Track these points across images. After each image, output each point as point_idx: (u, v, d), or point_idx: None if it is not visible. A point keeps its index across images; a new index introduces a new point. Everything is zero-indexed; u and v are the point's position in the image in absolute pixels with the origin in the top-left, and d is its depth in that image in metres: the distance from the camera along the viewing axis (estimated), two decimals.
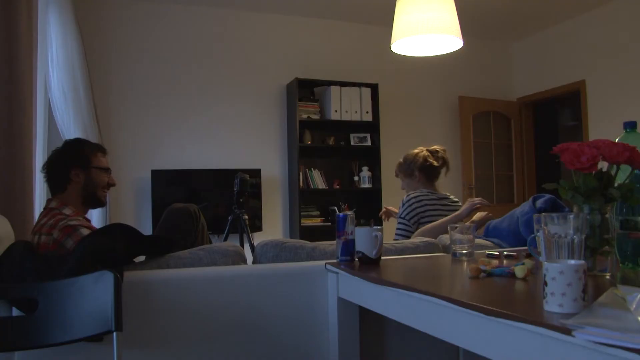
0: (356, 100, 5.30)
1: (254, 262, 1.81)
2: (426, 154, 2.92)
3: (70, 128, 3.81)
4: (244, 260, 1.77)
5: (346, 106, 5.26)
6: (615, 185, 1.28)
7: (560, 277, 0.86)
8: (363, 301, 1.53)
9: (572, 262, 0.91)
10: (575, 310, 0.85)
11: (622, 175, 1.33)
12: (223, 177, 4.86)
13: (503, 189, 6.19)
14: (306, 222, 5.18)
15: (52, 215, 1.82)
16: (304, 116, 5.16)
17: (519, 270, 1.27)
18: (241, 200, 3.55)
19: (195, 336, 1.58)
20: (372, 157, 5.44)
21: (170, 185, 4.73)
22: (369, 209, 5.40)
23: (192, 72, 4.96)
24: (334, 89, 5.20)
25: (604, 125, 5.24)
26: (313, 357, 1.69)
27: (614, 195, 1.23)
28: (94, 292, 1.25)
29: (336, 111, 5.22)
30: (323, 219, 5.33)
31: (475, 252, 1.75)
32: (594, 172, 1.23)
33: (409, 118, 5.81)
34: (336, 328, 1.65)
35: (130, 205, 4.70)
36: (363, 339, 1.67)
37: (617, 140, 1.47)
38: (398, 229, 2.82)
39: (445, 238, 2.14)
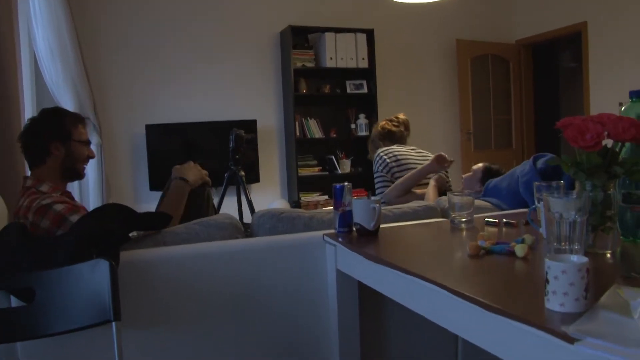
0: (352, 47, 5.17)
1: (251, 234, 1.80)
2: (384, 122, 3.20)
3: (60, 86, 3.72)
4: (240, 233, 1.76)
5: (341, 53, 5.13)
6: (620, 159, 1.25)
7: (562, 276, 0.84)
8: (360, 276, 1.53)
9: (575, 259, 0.89)
10: (576, 310, 0.83)
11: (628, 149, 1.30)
12: (219, 129, 4.80)
13: (501, 134, 6.14)
14: (303, 171, 5.17)
15: (27, 195, 1.76)
16: (299, 64, 5.04)
17: (519, 250, 1.26)
18: (237, 156, 3.51)
19: (195, 312, 1.59)
20: (368, 104, 5.35)
21: (165, 140, 4.67)
22: (366, 156, 5.37)
23: (183, 23, 4.79)
24: (329, 36, 5.05)
25: (605, 68, 5.14)
26: (314, 328, 1.71)
27: (617, 172, 1.20)
28: (91, 281, 1.24)
29: (331, 58, 5.10)
30: (320, 168, 5.31)
31: (474, 215, 1.73)
32: None
33: (406, 63, 5.68)
34: (335, 299, 1.66)
35: (127, 162, 4.66)
36: (362, 309, 1.69)
37: (622, 109, 1.42)
38: (377, 183, 2.99)
39: (443, 200, 2.12)
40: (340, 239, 1.63)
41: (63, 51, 3.67)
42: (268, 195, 5.13)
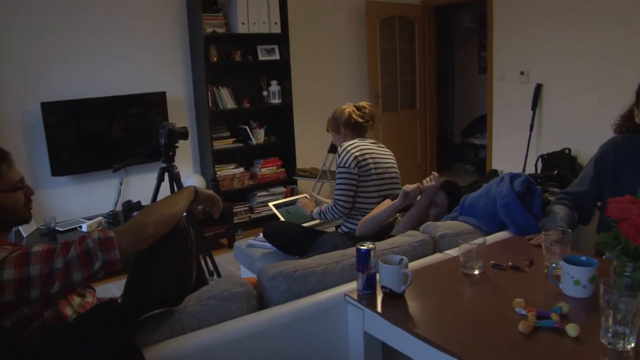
0: (264, 11, 4.88)
1: (261, 300, 1.69)
2: (351, 110, 3.03)
3: None
4: (254, 297, 1.65)
5: (254, 17, 4.83)
6: None
7: None
8: (395, 344, 1.52)
9: None
10: None
11: None
12: (124, 104, 4.39)
13: (406, 95, 6.30)
14: (217, 144, 4.94)
15: None
16: (209, 30, 4.68)
17: (572, 330, 1.33)
18: (171, 153, 3.22)
19: None
20: (281, 70, 5.17)
21: (65, 118, 4.16)
22: (280, 124, 5.26)
23: None
24: None
25: (507, 28, 5.38)
26: None
27: None
28: None
29: (243, 23, 4.79)
30: (234, 139, 5.11)
31: (461, 246, 1.76)
32: None
33: (318, 28, 5.54)
34: (362, 358, 1.65)
35: (21, 145, 4.09)
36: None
37: None
38: (339, 179, 2.85)
39: (433, 227, 2.16)
40: (364, 302, 1.60)
41: None
42: (182, 171, 4.84)
